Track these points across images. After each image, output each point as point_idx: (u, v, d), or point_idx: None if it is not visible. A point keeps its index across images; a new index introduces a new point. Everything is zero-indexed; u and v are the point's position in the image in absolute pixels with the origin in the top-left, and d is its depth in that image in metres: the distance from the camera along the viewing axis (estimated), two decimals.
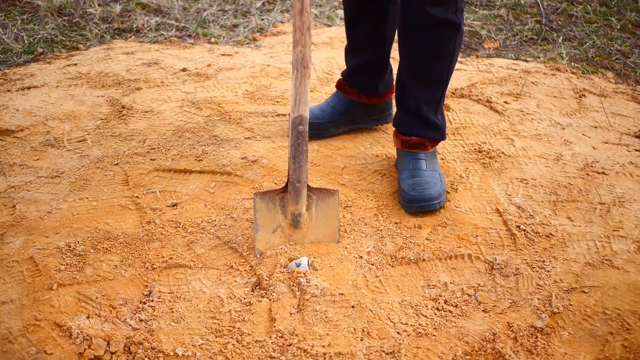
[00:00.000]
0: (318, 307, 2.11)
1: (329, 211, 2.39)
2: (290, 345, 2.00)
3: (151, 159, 2.82)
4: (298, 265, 2.26)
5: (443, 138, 2.71)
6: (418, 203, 2.54)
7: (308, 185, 2.36)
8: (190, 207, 2.54)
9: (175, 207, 2.55)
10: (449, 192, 2.68)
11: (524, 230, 2.48)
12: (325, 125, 2.98)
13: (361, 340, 2.03)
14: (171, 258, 2.31)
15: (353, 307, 2.13)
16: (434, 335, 2.06)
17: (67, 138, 3.01)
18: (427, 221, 2.53)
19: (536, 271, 2.31)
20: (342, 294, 2.16)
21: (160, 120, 3.15)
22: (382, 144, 2.99)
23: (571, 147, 3.01)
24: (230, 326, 2.07)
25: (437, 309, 2.16)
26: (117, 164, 2.80)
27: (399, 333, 2.06)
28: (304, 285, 2.18)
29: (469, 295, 2.22)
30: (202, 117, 3.19)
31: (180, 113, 3.22)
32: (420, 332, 2.06)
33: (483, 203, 2.63)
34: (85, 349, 1.94)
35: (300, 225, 2.34)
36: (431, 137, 2.68)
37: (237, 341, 2.01)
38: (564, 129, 3.18)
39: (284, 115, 3.20)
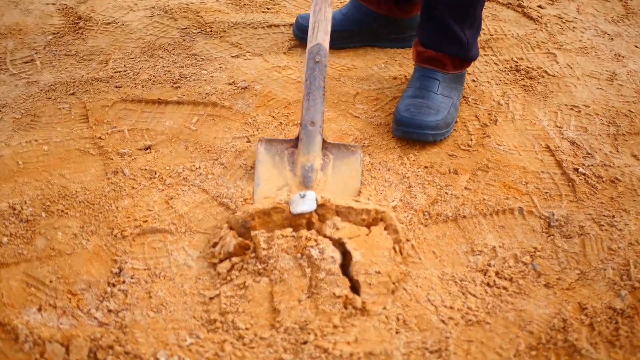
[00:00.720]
0: (337, 290, 1.63)
1: (349, 173, 1.90)
2: (305, 343, 1.53)
3: (116, 86, 2.27)
4: (302, 197, 1.74)
5: (467, 58, 2.18)
6: (406, 127, 2.07)
7: (324, 140, 1.86)
8: (167, 151, 2.03)
9: (148, 150, 2.03)
10: (487, 125, 2.17)
11: (584, 174, 2.00)
12: (333, 34, 2.44)
13: (397, 333, 1.57)
14: (146, 221, 1.81)
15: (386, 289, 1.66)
16: (487, 322, 1.60)
17: (11, 59, 2.44)
18: (463, 164, 2.04)
19: (605, 230, 1.84)
20: (375, 262, 1.68)
21: (126, 34, 2.58)
22: (399, 62, 2.46)
23: (625, 63, 2.50)
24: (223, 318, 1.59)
25: (488, 284, 1.70)
26: (73, 94, 2.25)
27: (443, 322, 1.60)
28: (316, 258, 1.69)
29: (525, 264, 1.76)
30: (177, 29, 2.62)
31: (150, 25, 2.65)
32: (470, 320, 1.60)
33: (529, 138, 2.14)
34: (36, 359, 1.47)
35: (312, 184, 1.84)
36: (452, 53, 2.15)
37: (237, 338, 1.55)
38: (612, 39, 2.66)
39: (277, 26, 2.64)
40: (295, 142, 1.88)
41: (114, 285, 1.65)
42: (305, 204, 1.73)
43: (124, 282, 1.66)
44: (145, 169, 1.96)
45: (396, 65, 2.44)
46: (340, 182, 1.88)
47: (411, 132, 2.05)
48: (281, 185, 1.85)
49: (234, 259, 1.72)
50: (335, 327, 1.58)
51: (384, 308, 1.62)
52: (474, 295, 1.67)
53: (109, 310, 1.59)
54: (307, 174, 1.84)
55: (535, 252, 1.79)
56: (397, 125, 2.06)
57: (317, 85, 1.80)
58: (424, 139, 2.05)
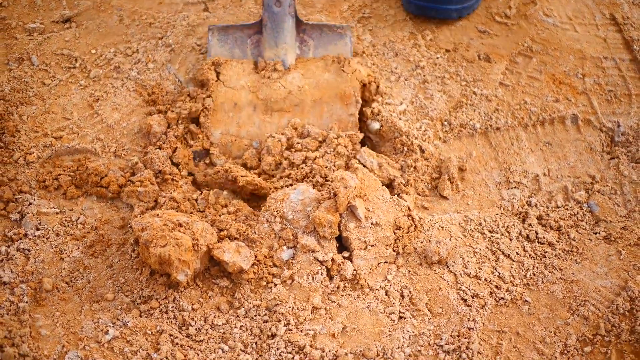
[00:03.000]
0: (319, 254, 1.18)
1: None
2: (273, 336, 1.10)
3: None
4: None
5: None
6: (423, 0, 1.52)
7: (298, 19, 1.32)
8: (94, 25, 1.50)
9: (67, 24, 1.49)
10: None
11: None
12: None
13: (400, 319, 1.13)
14: (60, 136, 1.32)
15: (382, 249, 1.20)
16: (526, 301, 1.17)
17: None
18: (498, 46, 1.50)
19: None
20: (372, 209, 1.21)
21: None
22: None
23: None
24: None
25: (528, 237, 1.25)
26: None
27: (465, 301, 1.15)
28: (294, 202, 1.22)
29: (578, 203, 1.29)
30: None
31: None
32: (502, 299, 1.17)
33: (589, 4, 1.59)
34: None
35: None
36: None
37: (180, 326, 1.12)
38: None
39: None
40: (260, 26, 1.34)
41: (12, 240, 1.19)
42: None
43: (26, 235, 1.20)
44: (62, 54, 1.44)
45: None
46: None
47: (429, 7, 1.49)
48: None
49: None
50: (315, 309, 1.13)
51: (385, 279, 1.17)
52: (508, 257, 1.22)
53: (3, 283, 1.15)
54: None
55: (592, 183, 1.32)
56: None
57: None
58: (446, 16, 1.51)
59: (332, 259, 1.18)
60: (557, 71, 1.47)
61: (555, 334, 1.13)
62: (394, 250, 1.20)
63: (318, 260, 1.18)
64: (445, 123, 1.39)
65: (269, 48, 1.34)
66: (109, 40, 1.47)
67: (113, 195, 1.27)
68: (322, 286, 1.16)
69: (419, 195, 1.30)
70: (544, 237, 1.24)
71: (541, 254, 1.23)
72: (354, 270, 1.18)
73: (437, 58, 1.48)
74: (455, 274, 1.19)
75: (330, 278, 1.18)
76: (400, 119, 1.38)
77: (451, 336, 1.12)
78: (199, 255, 1.15)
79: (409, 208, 1.23)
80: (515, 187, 1.32)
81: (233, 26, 1.36)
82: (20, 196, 1.24)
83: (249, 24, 1.36)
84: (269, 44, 1.34)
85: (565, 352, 1.11)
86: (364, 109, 1.40)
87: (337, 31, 1.39)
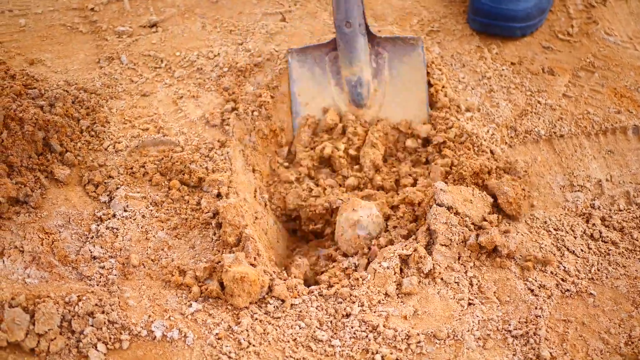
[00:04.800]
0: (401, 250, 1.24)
1: (411, 75, 1.46)
2: (348, 316, 1.15)
3: None
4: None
5: None
6: (487, 18, 1.60)
7: (371, 34, 1.39)
8: (179, 30, 1.59)
9: (154, 29, 1.58)
10: (593, 6, 1.67)
11: None
12: None
13: (470, 305, 1.18)
14: (147, 129, 1.40)
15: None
16: (591, 294, 1.20)
17: None
18: (561, 61, 1.56)
19: None
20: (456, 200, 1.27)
21: None
22: None
23: None
24: None
25: (592, 236, 1.29)
26: None
27: (532, 292, 1.20)
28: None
29: None
30: None
31: None
32: (568, 290, 1.20)
33: None
34: None
35: (365, 102, 1.40)
36: None
37: (259, 304, 1.17)
38: None
39: None
40: (335, 43, 1.42)
41: (101, 220, 1.26)
42: None
43: (114, 215, 1.27)
44: (149, 55, 1.53)
45: None
46: (402, 92, 1.44)
47: (493, 24, 1.57)
48: (327, 106, 1.41)
49: None
50: (387, 295, 1.18)
51: (456, 271, 1.22)
52: (573, 253, 1.26)
53: (93, 258, 1.21)
54: (356, 90, 1.40)
55: None
56: (474, 14, 1.58)
57: None
58: (510, 34, 1.58)
59: (415, 249, 1.23)
60: (619, 85, 1.52)
61: (619, 326, 1.17)
62: (468, 249, 1.25)
63: (397, 254, 1.23)
64: (511, 129, 1.45)
65: (344, 67, 1.42)
66: (192, 44, 1.56)
67: (195, 183, 1.34)
68: (396, 275, 1.21)
69: None
70: (607, 237, 1.29)
71: (605, 251, 1.27)
72: (434, 264, 1.22)
73: (503, 70, 1.54)
74: (522, 267, 1.24)
75: (406, 265, 1.23)
76: (467, 123, 1.44)
77: (519, 322, 1.16)
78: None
79: (491, 205, 1.29)
80: (578, 191, 1.37)
81: (310, 47, 1.44)
82: (109, 180, 1.32)
83: (325, 43, 1.44)
84: (344, 63, 1.41)
85: (630, 343, 1.15)
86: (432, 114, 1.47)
87: (410, 42, 1.46)
